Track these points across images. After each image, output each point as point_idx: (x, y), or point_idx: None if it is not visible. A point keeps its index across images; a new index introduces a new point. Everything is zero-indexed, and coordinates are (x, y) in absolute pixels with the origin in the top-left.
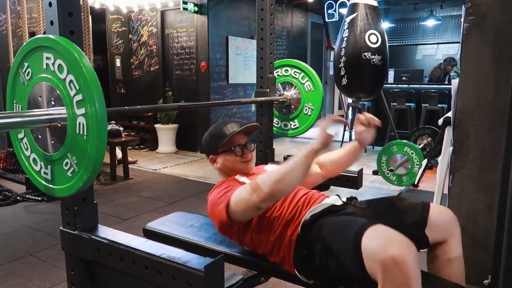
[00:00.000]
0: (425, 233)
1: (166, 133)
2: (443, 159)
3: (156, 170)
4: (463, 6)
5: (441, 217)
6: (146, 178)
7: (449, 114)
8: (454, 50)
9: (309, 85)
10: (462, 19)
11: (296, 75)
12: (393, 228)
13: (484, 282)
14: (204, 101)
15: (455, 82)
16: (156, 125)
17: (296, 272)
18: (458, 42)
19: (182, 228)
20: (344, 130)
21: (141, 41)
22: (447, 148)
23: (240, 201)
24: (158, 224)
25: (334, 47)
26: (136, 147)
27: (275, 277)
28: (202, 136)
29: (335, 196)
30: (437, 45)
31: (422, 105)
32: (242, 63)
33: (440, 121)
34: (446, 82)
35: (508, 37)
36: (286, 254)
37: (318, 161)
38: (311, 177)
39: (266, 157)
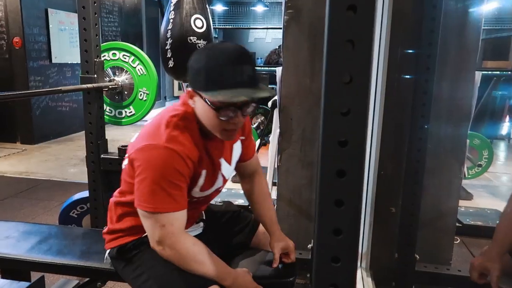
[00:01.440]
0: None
1: None
2: (273, 138)
3: None
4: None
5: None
6: None
7: (277, 97)
8: (281, 35)
9: (141, 68)
10: (282, 11)
11: (125, 58)
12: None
13: (308, 246)
14: (21, 83)
15: (279, 70)
16: None
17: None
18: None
19: None
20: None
21: None
22: (276, 128)
23: (152, 226)
24: None
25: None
26: None
27: (112, 280)
28: (21, 123)
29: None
30: (266, 30)
31: None
32: (68, 40)
33: (269, 104)
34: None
35: (319, 30)
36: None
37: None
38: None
39: (98, 148)
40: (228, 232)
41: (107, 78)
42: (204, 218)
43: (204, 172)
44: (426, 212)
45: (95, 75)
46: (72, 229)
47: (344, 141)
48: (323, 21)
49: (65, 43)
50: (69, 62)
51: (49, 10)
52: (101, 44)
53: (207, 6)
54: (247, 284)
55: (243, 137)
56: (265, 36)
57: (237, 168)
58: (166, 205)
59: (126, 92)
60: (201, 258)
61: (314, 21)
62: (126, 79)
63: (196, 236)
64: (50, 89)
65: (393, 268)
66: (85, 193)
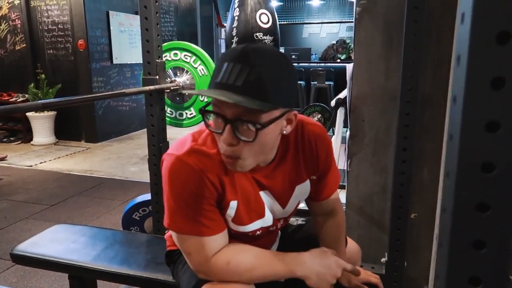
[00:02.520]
0: None
1: (41, 122)
2: (337, 139)
3: (31, 166)
4: None
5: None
6: (19, 177)
7: (341, 95)
8: (336, 29)
9: (202, 69)
10: (354, 2)
11: (186, 58)
12: None
13: (382, 260)
14: (85, 84)
15: (349, 66)
16: (29, 114)
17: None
18: (340, 22)
19: (62, 247)
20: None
21: (0, 15)
22: (339, 128)
23: (181, 249)
24: (31, 246)
25: (224, 24)
26: (5, 140)
27: None
28: (86, 122)
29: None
30: (321, 24)
31: (311, 82)
32: (127, 41)
33: (333, 103)
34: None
35: (396, 21)
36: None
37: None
38: None
39: (160, 151)
40: (296, 249)
41: (168, 79)
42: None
43: (234, 204)
44: None
45: (157, 77)
46: (137, 235)
47: (489, 165)
48: (400, 12)
49: (125, 44)
50: (128, 63)
51: (110, 12)
52: (163, 44)
53: (271, 0)
54: (327, 263)
55: (314, 177)
56: (320, 31)
57: (307, 204)
58: (186, 227)
59: (187, 94)
60: (248, 265)
61: (390, 13)
62: (187, 79)
63: None
64: (115, 92)
65: None
66: (147, 196)
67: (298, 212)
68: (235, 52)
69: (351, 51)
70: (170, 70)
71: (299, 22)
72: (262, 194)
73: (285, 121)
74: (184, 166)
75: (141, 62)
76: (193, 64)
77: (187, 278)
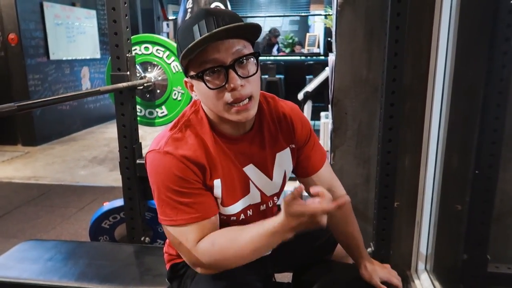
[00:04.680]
0: None
1: None
2: None
3: None
4: None
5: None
6: None
7: (308, 88)
8: (279, 23)
9: (176, 65)
10: None
11: (159, 53)
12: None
13: (368, 250)
14: (19, 83)
15: (331, 58)
16: None
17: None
18: (282, 16)
19: (38, 267)
20: None
21: None
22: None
23: (173, 242)
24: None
25: (169, 18)
26: None
27: None
28: (22, 124)
29: None
30: (265, 18)
31: (262, 76)
32: (65, 35)
33: (300, 96)
34: (276, 54)
35: (377, 13)
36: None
37: None
38: None
39: (134, 153)
40: (301, 251)
41: (138, 75)
42: None
43: (218, 182)
44: (494, 208)
45: (128, 73)
46: (121, 246)
47: None
48: (380, 4)
49: (62, 38)
50: (67, 59)
51: (44, 3)
52: (132, 37)
53: None
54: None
55: (292, 145)
56: (263, 24)
57: (305, 187)
58: (175, 217)
59: (158, 91)
60: (232, 240)
61: (371, 4)
62: (159, 76)
63: (262, 257)
64: (89, 90)
65: (461, 269)
66: (117, 202)
67: None
68: (200, 12)
69: (295, 44)
70: (138, 66)
71: (243, 16)
72: (247, 169)
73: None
74: (165, 157)
75: (80, 58)
76: (166, 59)
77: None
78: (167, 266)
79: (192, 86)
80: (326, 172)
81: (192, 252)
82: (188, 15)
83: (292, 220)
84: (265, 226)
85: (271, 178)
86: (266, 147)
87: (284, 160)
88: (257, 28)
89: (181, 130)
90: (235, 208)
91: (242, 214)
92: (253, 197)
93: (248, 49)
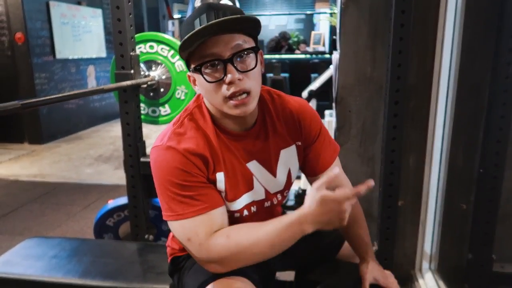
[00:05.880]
0: None
1: None
2: None
3: None
4: None
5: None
6: None
7: (313, 86)
8: (284, 21)
9: (181, 64)
10: None
11: (164, 52)
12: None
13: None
14: (26, 81)
15: (335, 56)
16: None
17: None
18: (287, 14)
19: (43, 264)
20: None
21: None
22: None
23: (181, 239)
24: (4, 264)
25: (175, 16)
26: None
27: None
28: (29, 122)
29: None
30: (270, 16)
31: (267, 74)
32: (71, 34)
33: (305, 94)
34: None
35: (381, 11)
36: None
37: None
38: None
39: (137, 151)
40: (307, 249)
41: (142, 73)
42: None
43: (221, 176)
44: (500, 207)
45: (132, 71)
46: (125, 244)
47: None
48: (385, 2)
49: (68, 37)
50: (72, 58)
51: (51, 2)
52: (136, 35)
53: None
54: (329, 208)
55: (299, 142)
56: (269, 23)
57: (311, 184)
58: (182, 211)
59: (162, 89)
60: (250, 234)
61: (375, 2)
62: (163, 74)
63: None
64: (93, 88)
65: (466, 269)
66: (121, 200)
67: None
68: (202, 7)
69: (300, 43)
70: (142, 64)
71: (248, 14)
72: (250, 165)
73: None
74: (168, 152)
75: (86, 57)
76: (170, 58)
77: (193, 278)
78: (169, 260)
79: (194, 80)
80: (336, 170)
81: (203, 247)
82: None
83: (320, 207)
84: (285, 218)
85: (274, 175)
86: (270, 144)
87: (288, 157)
88: (255, 22)
89: (183, 124)
90: (238, 203)
91: (245, 210)
92: (257, 193)
93: (249, 44)
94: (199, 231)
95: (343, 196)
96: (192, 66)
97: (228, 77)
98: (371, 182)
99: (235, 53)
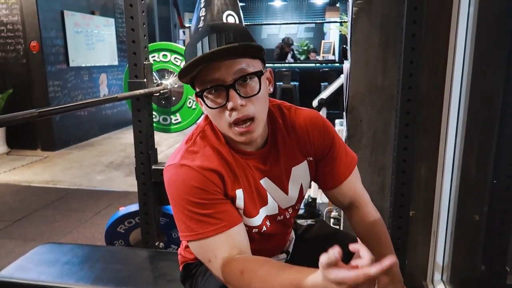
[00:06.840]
0: None
1: None
2: None
3: None
4: None
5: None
6: None
7: (323, 95)
8: (294, 30)
9: None
10: (350, 2)
11: (177, 62)
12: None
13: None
14: (40, 89)
15: (346, 65)
16: None
17: None
18: (299, 23)
19: (56, 270)
20: None
21: None
22: None
23: (202, 259)
24: (17, 270)
25: (186, 25)
26: None
27: None
28: (42, 129)
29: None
30: (280, 25)
31: (276, 83)
32: (84, 42)
33: (315, 103)
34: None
35: (392, 21)
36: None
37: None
38: None
39: (149, 159)
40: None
41: (155, 82)
42: (289, 250)
43: (240, 193)
44: None
45: (145, 80)
46: (136, 250)
47: None
48: (396, 12)
49: (81, 45)
50: (85, 65)
51: (65, 12)
52: (150, 44)
53: (238, 1)
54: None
55: (310, 158)
56: (278, 31)
57: (328, 197)
58: (201, 229)
59: (174, 98)
60: (265, 284)
61: (386, 13)
62: (175, 83)
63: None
64: (106, 97)
65: (479, 281)
66: (132, 207)
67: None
68: (205, 28)
69: (310, 51)
70: (154, 73)
71: (258, 23)
72: (263, 182)
73: (266, 79)
74: (182, 169)
75: (99, 64)
76: None
77: (208, 285)
78: (181, 268)
79: (200, 102)
80: (350, 183)
81: (220, 272)
82: (201, 23)
83: (331, 286)
84: (302, 278)
85: (286, 192)
86: (281, 163)
87: (300, 174)
88: (256, 48)
89: (196, 143)
90: (257, 219)
91: (264, 226)
92: (271, 208)
93: (254, 67)
94: (218, 253)
95: (355, 278)
96: (196, 89)
97: (230, 104)
98: (388, 262)
99: (237, 78)
